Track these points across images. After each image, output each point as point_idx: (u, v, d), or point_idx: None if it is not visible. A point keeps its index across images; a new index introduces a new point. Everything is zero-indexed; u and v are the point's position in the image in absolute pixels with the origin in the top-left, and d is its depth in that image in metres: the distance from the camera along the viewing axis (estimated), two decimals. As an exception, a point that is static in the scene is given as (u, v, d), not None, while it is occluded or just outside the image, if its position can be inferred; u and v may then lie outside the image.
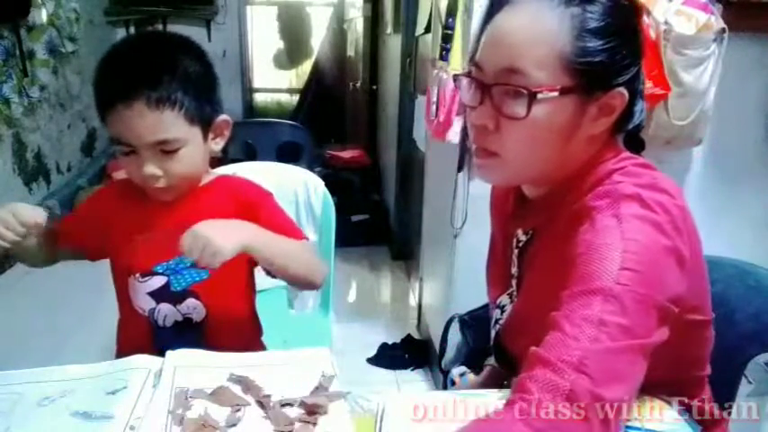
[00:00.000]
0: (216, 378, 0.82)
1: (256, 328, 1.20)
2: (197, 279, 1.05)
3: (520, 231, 0.91)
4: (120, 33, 4.00)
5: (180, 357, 0.87)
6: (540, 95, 0.73)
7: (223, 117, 1.04)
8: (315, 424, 0.73)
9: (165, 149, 0.96)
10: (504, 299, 0.95)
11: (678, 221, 0.71)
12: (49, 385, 0.82)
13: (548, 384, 0.61)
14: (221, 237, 0.88)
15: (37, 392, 0.81)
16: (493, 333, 0.96)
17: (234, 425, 0.74)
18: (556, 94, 0.73)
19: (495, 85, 0.76)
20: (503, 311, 0.94)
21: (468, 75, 0.81)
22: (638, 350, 0.64)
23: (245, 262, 1.10)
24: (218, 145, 1.05)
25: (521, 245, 0.90)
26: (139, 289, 1.05)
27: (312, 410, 0.75)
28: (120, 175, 3.54)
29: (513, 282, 0.93)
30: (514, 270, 0.93)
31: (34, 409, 0.78)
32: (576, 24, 0.72)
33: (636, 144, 0.84)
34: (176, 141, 0.96)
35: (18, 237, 0.94)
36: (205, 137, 1.02)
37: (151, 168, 0.96)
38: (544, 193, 0.85)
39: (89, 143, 3.54)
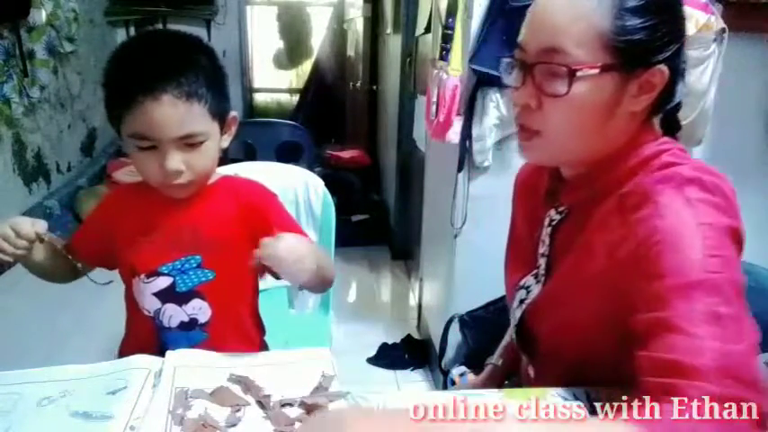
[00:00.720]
0: (216, 378, 0.82)
1: (260, 328, 1.20)
2: (203, 280, 1.04)
3: (553, 211, 0.91)
4: (120, 33, 4.00)
5: (180, 357, 0.87)
6: (579, 73, 0.75)
7: (233, 113, 1.05)
8: (315, 424, 0.73)
9: (190, 143, 0.95)
10: (529, 280, 0.95)
11: (734, 204, 0.74)
12: (49, 385, 0.82)
13: (698, 391, 0.61)
14: (308, 254, 0.91)
15: (37, 392, 0.81)
16: (518, 314, 0.94)
17: (234, 425, 0.74)
18: (596, 71, 0.75)
19: (537, 64, 0.78)
20: (528, 292, 0.94)
21: (512, 56, 0.83)
22: (755, 341, 0.66)
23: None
24: (225, 142, 1.05)
25: (554, 224, 0.90)
26: (144, 290, 1.05)
27: (312, 410, 0.75)
28: (120, 174, 3.54)
29: (543, 261, 0.92)
30: (543, 250, 0.92)
31: (34, 409, 0.78)
32: (615, 3, 0.74)
33: (672, 125, 0.85)
34: (202, 135, 0.96)
35: (19, 250, 0.94)
36: (221, 132, 1.02)
37: (176, 163, 0.94)
38: (583, 171, 0.85)
39: (89, 143, 3.54)
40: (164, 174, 0.96)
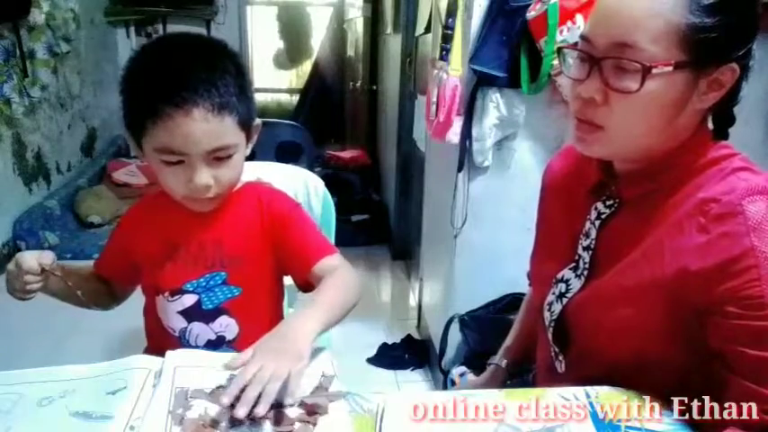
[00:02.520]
0: (216, 378, 0.82)
1: None
2: (229, 296, 1.02)
3: (600, 204, 0.89)
4: (121, 33, 4.00)
5: (180, 357, 0.87)
6: (654, 70, 0.74)
7: (258, 121, 1.00)
8: (315, 424, 0.73)
9: (220, 156, 0.91)
10: (567, 273, 0.93)
11: None
12: (49, 385, 0.82)
13: None
14: (287, 354, 0.77)
15: (37, 392, 0.81)
16: (557, 308, 0.92)
17: (234, 425, 0.73)
18: (670, 68, 0.74)
19: (607, 59, 0.76)
20: (568, 286, 0.92)
21: (575, 47, 0.81)
22: None
23: (275, 272, 1.07)
24: (248, 150, 1.00)
25: (603, 216, 0.88)
26: (169, 308, 1.02)
27: (312, 410, 0.75)
28: (119, 174, 3.52)
29: (586, 255, 0.90)
30: (587, 243, 0.90)
31: (34, 409, 0.78)
32: (691, 0, 0.73)
33: (728, 121, 0.84)
34: (232, 147, 0.92)
35: (29, 285, 0.93)
36: (247, 141, 0.98)
37: (205, 177, 0.90)
38: (641, 167, 0.84)
39: (89, 143, 3.54)
40: (191, 188, 0.92)
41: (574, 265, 0.92)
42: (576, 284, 0.90)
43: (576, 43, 0.82)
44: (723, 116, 0.84)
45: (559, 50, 0.86)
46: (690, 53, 0.74)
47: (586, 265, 0.89)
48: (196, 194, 0.93)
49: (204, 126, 0.87)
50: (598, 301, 0.86)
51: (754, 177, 0.76)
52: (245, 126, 0.95)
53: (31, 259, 0.92)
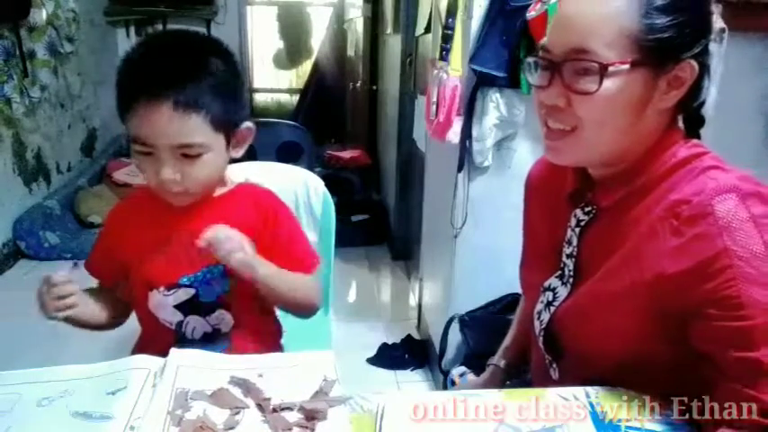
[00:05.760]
0: (218, 380, 0.82)
1: (278, 330, 1.18)
2: (226, 289, 1.03)
3: (579, 211, 0.89)
4: (121, 33, 4.01)
5: (184, 357, 0.87)
6: (611, 68, 0.74)
7: (247, 125, 1.01)
8: (313, 430, 0.73)
9: (187, 154, 0.93)
10: (554, 281, 0.93)
11: None
12: (49, 385, 0.82)
13: None
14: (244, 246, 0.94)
15: (37, 392, 0.81)
16: (545, 316, 0.92)
17: (232, 428, 0.73)
18: (626, 66, 0.75)
19: (565, 62, 0.77)
20: (555, 294, 0.92)
21: (536, 56, 0.82)
22: None
23: None
24: (237, 153, 1.02)
25: (582, 224, 0.88)
26: (165, 302, 1.02)
27: (311, 416, 0.74)
28: (120, 174, 3.52)
29: (570, 262, 0.90)
30: (570, 251, 0.90)
31: (34, 409, 0.78)
32: (643, 2, 0.74)
33: (697, 122, 0.85)
34: (199, 147, 0.93)
35: (65, 301, 0.93)
36: (228, 144, 0.98)
37: (169, 172, 0.93)
38: (613, 171, 0.84)
39: (89, 143, 3.55)
40: (158, 181, 0.94)
41: (560, 273, 0.92)
42: (562, 292, 0.91)
43: (537, 53, 0.83)
44: (692, 117, 0.85)
45: (524, 61, 0.87)
46: (645, 54, 0.75)
47: (571, 273, 0.90)
48: (163, 187, 0.95)
49: (168, 121, 0.90)
50: (583, 309, 0.86)
51: (723, 175, 0.76)
52: (222, 127, 0.95)
53: (56, 274, 0.93)
